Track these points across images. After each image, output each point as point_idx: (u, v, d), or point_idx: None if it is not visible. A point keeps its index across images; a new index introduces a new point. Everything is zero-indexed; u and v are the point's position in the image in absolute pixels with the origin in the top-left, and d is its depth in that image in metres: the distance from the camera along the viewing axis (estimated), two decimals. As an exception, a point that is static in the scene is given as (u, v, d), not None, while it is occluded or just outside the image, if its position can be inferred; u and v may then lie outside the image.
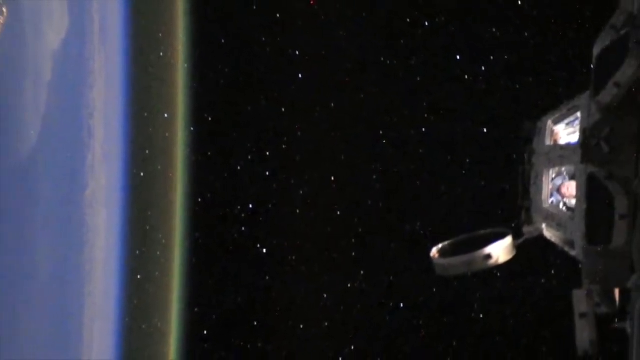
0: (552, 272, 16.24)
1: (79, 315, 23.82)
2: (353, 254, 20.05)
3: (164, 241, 23.86)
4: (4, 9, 21.33)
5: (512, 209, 7.92)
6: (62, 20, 22.96)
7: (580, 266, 6.98)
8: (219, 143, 22.12)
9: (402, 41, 19.25)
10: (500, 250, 7.19)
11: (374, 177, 19.89)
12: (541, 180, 7.46)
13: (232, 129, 21.52)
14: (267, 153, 21.21)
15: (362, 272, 19.80)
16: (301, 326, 20.38)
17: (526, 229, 7.59)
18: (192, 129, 23.23)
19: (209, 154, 22.53)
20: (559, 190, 7.55)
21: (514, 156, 8.05)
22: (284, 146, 20.96)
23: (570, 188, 7.35)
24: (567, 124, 7.69)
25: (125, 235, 24.25)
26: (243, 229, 21.47)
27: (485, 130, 18.03)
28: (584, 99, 7.09)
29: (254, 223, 21.45)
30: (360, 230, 20.02)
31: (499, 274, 15.99)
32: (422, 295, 18.48)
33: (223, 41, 21.53)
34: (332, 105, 20.09)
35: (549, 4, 17.20)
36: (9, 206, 21.84)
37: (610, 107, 6.40)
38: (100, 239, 24.00)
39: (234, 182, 21.71)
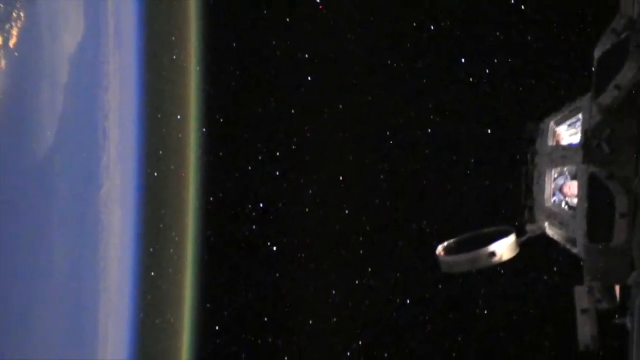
0: (555, 269, 16.28)
1: (94, 311, 23.92)
2: (361, 252, 20.07)
3: (177, 239, 23.87)
4: (22, 14, 21.56)
5: (515, 208, 7.90)
6: (79, 24, 22.99)
7: (581, 263, 6.94)
8: (230, 144, 22.11)
9: (408, 45, 19.22)
10: (504, 248, 7.17)
11: (382, 177, 19.91)
12: (544, 180, 7.46)
13: (243, 130, 21.54)
14: (277, 154, 21.23)
15: (369, 270, 19.88)
16: (310, 322, 20.42)
17: (529, 228, 7.57)
18: (204, 130, 23.26)
19: (221, 154, 22.58)
20: (561, 189, 7.55)
21: (518, 157, 8.03)
22: (293, 147, 21.05)
23: (572, 188, 7.34)
24: (569, 126, 7.68)
25: (140, 234, 24.33)
26: (254, 227, 21.54)
27: (489, 132, 18.08)
28: (585, 101, 7.06)
29: (264, 222, 21.47)
30: (368, 228, 20.03)
31: (502, 272, 16.07)
32: (428, 292, 18.56)
33: (234, 45, 21.58)
34: (341, 107, 20.15)
35: (551, 9, 17.30)
36: (27, 205, 22.06)
37: (611, 109, 6.37)
38: (115, 237, 24.11)
39: (245, 181, 21.74)
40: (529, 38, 17.81)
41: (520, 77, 17.76)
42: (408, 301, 19.32)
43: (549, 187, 7.52)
